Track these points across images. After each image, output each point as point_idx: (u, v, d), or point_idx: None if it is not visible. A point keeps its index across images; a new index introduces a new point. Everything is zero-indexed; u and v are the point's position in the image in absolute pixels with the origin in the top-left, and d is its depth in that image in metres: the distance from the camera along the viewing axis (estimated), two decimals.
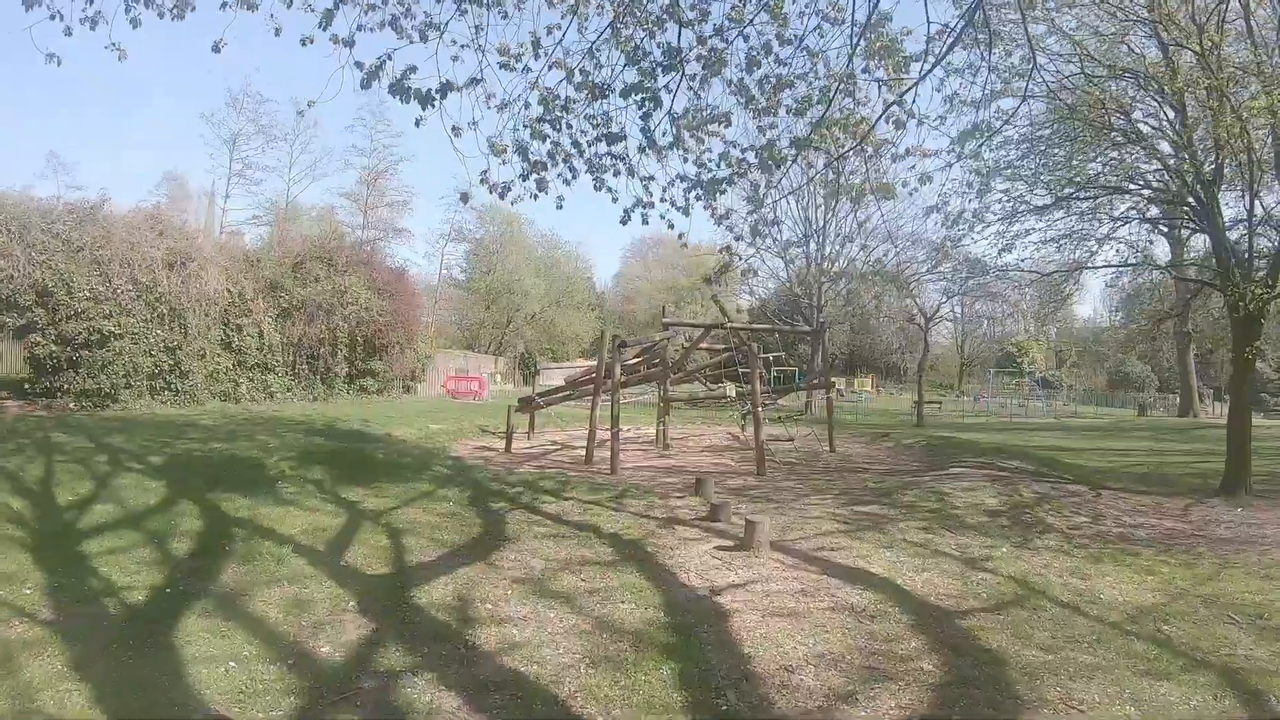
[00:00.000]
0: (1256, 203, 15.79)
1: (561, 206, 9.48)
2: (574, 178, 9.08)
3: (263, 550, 8.79)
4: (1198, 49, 13.53)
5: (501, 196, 8.79)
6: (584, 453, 18.96)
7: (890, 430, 30.10)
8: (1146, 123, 16.96)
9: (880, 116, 8.05)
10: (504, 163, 8.47)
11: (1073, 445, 26.98)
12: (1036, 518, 12.52)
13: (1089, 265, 20.21)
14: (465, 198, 8.92)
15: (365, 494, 12.31)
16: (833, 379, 26.16)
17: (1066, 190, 17.60)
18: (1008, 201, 17.99)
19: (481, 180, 8.64)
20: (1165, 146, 16.35)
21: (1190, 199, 16.02)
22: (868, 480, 16.43)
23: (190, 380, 26.23)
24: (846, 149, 8.40)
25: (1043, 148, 17.61)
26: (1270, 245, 16.44)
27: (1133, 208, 19.36)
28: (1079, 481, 16.83)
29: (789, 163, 8.80)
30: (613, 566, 8.71)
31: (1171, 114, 16.21)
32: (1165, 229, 24.68)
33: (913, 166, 8.64)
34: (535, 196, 8.97)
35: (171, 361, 25.59)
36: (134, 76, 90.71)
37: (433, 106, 7.59)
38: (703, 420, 33.27)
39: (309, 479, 13.18)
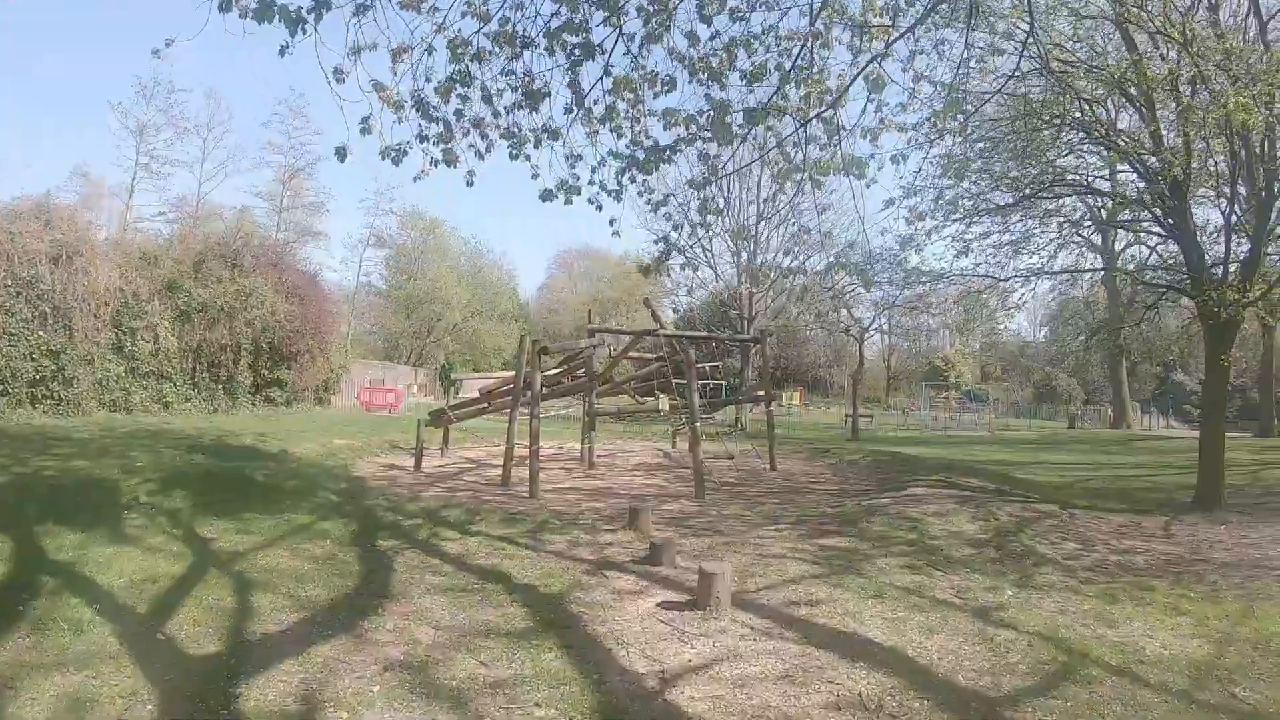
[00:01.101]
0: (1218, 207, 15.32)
1: (471, 183, 8.04)
2: (488, 149, 7.82)
3: (65, 612, 6.60)
4: (1179, 38, 12.54)
5: (395, 163, 7.38)
6: (501, 472, 16.92)
7: (829, 445, 28.33)
8: (1112, 123, 16.05)
9: (860, 72, 6.92)
10: (400, 119, 7.18)
11: (1018, 459, 25.61)
12: (1025, 547, 10.90)
13: (1047, 271, 18.91)
14: (342, 153, 7.04)
15: (227, 529, 10.15)
16: (774, 391, 24.29)
17: (1029, 189, 16.48)
18: (969, 199, 16.71)
19: (362, 130, 6.94)
20: (1134, 147, 15.14)
21: (1157, 202, 15.05)
22: (824, 505, 14.48)
23: (75, 388, 23.82)
24: (815, 113, 7.17)
25: (1007, 143, 16.17)
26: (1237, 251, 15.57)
27: (1080, 217, 18.84)
28: (1046, 500, 15.34)
29: (740, 140, 7.54)
30: (526, 639, 6.53)
31: (1138, 113, 15.37)
32: (1098, 240, 24.01)
33: (871, 156, 7.70)
34: (436, 164, 7.55)
35: (55, 366, 23.26)
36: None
37: (304, 31, 6.03)
38: (631, 435, 31.24)
39: (165, 508, 11.01)
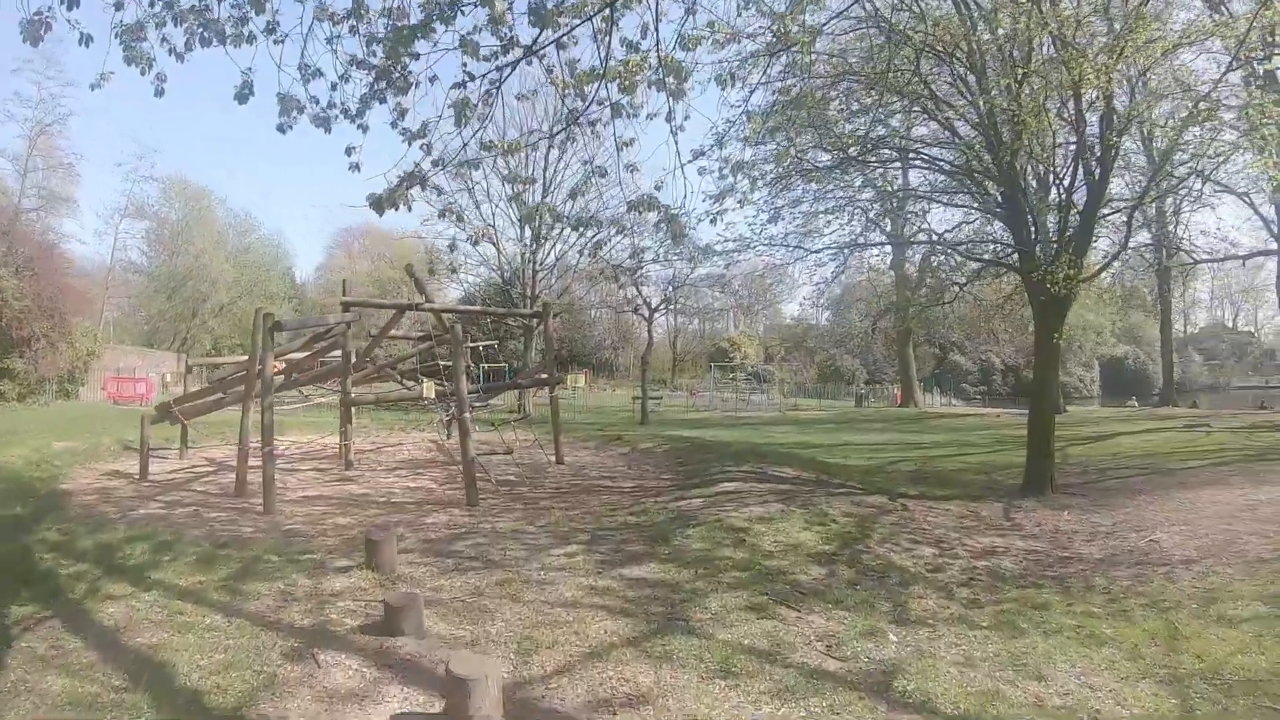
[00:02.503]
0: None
1: (161, 93, 6.52)
2: (187, 47, 6.13)
3: None
4: None
5: (34, 43, 5.81)
6: (235, 479, 13.61)
7: (620, 431, 25.78)
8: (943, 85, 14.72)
9: None
10: None
11: (819, 441, 24.13)
12: (880, 559, 8.97)
13: (861, 243, 17.70)
14: None
15: None
16: (559, 373, 21.22)
17: (852, 149, 14.86)
18: (794, 153, 14.86)
19: None
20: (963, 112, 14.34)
21: (988, 174, 14.15)
22: (624, 511, 11.85)
23: None
24: None
25: (833, 98, 14.88)
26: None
27: (888, 191, 17.57)
28: (870, 489, 13.67)
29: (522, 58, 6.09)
30: None
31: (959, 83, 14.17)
32: (889, 220, 23.52)
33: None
34: (86, 41, 5.89)
35: None
36: None
37: None
38: (404, 425, 27.57)
39: None
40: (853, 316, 54.79)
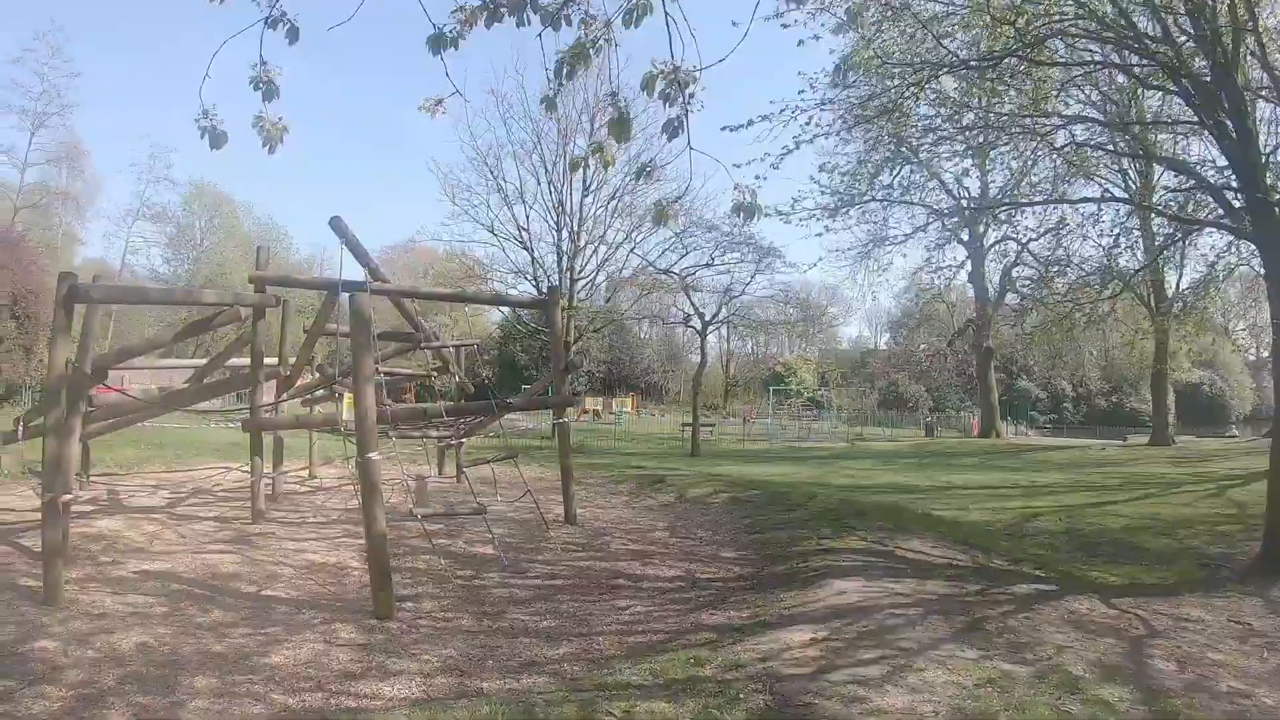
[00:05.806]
0: None
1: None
2: None
3: None
4: None
5: None
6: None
7: (664, 471, 20.33)
8: None
9: None
10: None
11: (914, 482, 19.41)
12: None
13: (1025, 201, 12.88)
14: None
15: None
16: (575, 390, 16.25)
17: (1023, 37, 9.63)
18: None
19: None
20: None
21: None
22: (649, 668, 6.11)
23: None
24: None
25: None
26: None
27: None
28: (1062, 582, 8.61)
29: None
30: None
31: None
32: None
33: None
34: None
35: None
36: None
37: None
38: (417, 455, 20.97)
39: None
40: (922, 335, 50.28)
